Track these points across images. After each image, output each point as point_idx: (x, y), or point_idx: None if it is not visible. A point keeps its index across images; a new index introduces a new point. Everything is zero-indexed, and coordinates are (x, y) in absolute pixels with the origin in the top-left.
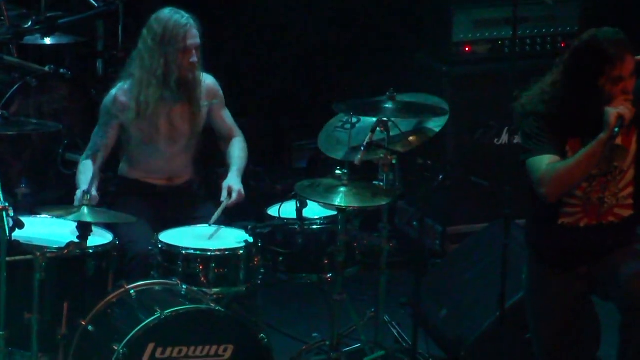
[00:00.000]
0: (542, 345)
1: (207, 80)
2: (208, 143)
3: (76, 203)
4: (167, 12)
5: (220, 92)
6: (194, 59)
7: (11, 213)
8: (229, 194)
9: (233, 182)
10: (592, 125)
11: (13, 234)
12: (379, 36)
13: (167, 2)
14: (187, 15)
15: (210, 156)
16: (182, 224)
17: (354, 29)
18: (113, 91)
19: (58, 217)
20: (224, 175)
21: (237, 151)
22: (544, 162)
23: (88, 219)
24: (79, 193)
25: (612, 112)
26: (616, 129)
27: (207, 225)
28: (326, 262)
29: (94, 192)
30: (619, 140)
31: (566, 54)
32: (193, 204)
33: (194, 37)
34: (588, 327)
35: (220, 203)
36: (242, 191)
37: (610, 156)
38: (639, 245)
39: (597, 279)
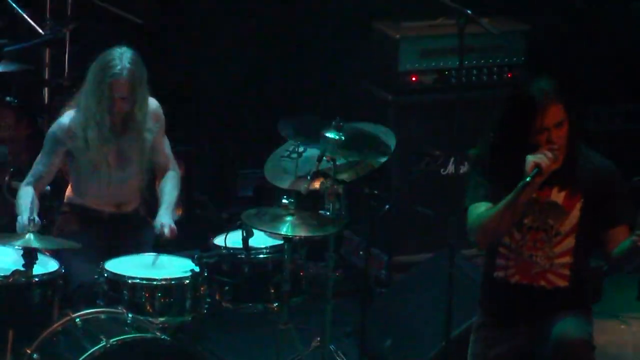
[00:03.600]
0: None
1: (152, 105)
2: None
3: (19, 230)
4: (110, 54)
5: (162, 117)
6: (119, 108)
7: None
8: (162, 231)
9: (164, 220)
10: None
11: None
12: (325, 64)
13: (110, 29)
14: (125, 65)
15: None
16: (128, 250)
17: (301, 57)
18: (65, 120)
19: (4, 244)
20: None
21: (169, 186)
22: (475, 211)
23: (35, 245)
24: (20, 220)
25: (530, 159)
26: (527, 178)
27: (152, 253)
28: (272, 291)
29: (36, 218)
30: (559, 199)
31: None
32: (139, 229)
33: (120, 90)
34: None
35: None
36: (174, 228)
37: (545, 211)
38: (579, 312)
39: (536, 341)
